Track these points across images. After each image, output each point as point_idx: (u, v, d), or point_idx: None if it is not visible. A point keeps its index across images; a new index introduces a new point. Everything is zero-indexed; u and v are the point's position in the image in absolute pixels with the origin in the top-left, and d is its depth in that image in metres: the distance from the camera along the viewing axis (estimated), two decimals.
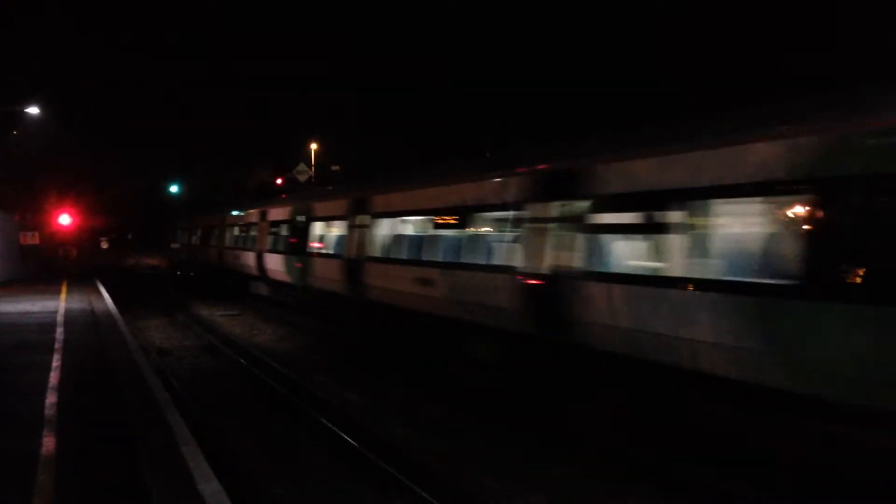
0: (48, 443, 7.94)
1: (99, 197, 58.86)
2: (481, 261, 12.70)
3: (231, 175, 66.44)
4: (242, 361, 16.12)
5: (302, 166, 49.84)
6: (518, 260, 11.47)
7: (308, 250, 21.07)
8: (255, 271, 26.90)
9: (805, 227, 7.34)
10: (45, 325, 17.26)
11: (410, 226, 16.06)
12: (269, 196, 35.66)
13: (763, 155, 7.77)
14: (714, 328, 8.16)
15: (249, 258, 27.46)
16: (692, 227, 8.67)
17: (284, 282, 23.80)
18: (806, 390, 7.30)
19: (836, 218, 7.04)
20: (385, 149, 49.42)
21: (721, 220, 8.63)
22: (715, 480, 8.27)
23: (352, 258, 17.61)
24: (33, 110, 30.99)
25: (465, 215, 13.42)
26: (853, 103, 7.38)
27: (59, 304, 22.52)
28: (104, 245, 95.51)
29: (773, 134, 7.78)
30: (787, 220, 7.86)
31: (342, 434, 10.26)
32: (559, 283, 10.51)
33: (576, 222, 10.34)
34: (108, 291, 27.11)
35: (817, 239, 7.17)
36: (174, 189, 67.77)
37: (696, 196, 8.54)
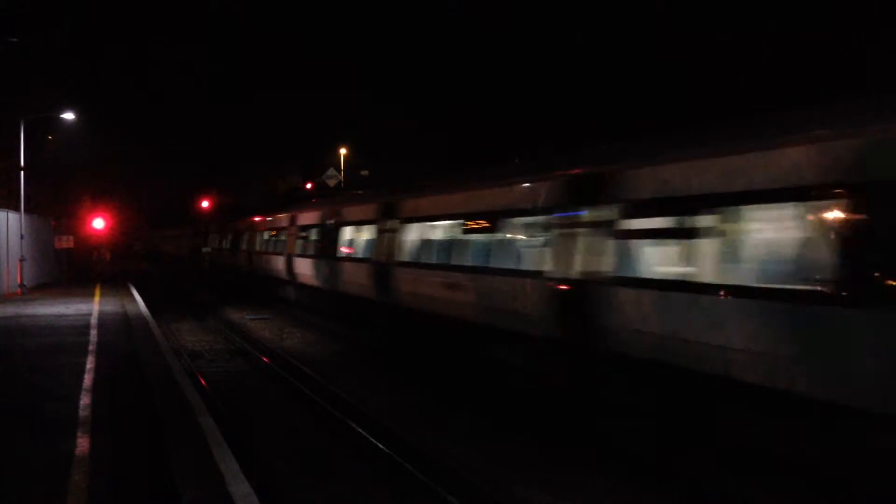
0: (82, 443, 8.03)
1: (132, 202, 59.71)
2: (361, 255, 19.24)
3: (261, 180, 67.19)
4: (273, 365, 16.22)
5: (332, 171, 50.16)
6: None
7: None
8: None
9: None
10: (80, 328, 17.52)
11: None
12: (299, 201, 37.24)
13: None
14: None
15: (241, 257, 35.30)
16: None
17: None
18: None
19: None
20: (416, 152, 49.69)
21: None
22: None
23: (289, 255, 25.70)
24: (68, 116, 31.44)
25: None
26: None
27: (93, 306, 22.86)
28: (137, 248, 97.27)
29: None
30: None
31: (372, 439, 10.27)
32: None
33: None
34: (140, 295, 27.45)
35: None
36: (204, 199, 68.83)
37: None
